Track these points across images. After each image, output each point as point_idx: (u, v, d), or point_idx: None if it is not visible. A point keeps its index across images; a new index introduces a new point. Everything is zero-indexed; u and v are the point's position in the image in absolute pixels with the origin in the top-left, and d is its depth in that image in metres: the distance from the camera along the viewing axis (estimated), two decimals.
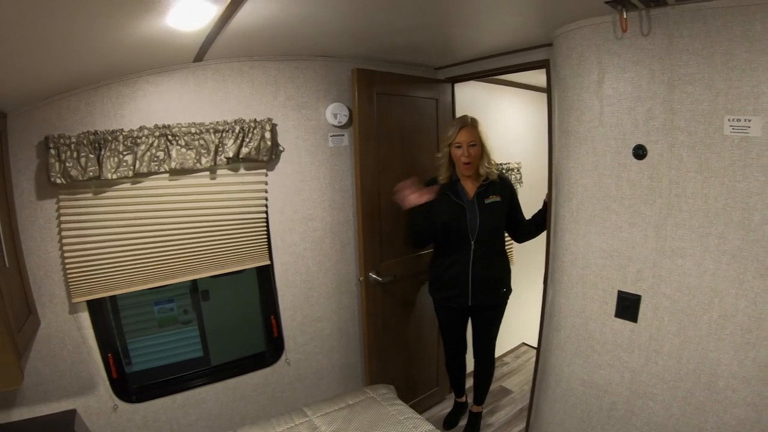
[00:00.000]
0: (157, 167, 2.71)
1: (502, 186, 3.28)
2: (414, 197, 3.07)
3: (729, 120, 2.01)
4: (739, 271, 2.06)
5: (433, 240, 3.38)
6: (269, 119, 3.03)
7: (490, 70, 3.45)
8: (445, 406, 4.14)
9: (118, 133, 2.58)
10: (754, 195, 1.99)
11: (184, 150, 2.76)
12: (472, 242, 3.17)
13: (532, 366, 3.37)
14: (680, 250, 2.24)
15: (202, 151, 2.81)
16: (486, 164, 3.19)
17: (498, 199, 3.22)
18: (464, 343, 3.68)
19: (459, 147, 3.11)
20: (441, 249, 3.36)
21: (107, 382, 2.84)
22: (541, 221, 3.24)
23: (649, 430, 2.39)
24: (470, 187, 3.23)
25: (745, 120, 1.97)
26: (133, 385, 3.03)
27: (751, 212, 2.00)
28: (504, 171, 4.50)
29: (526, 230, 3.40)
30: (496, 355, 5.00)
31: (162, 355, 3.30)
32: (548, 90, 2.93)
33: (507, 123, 4.66)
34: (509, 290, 3.46)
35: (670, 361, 2.31)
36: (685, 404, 2.26)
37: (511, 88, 4.61)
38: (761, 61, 1.90)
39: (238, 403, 3.30)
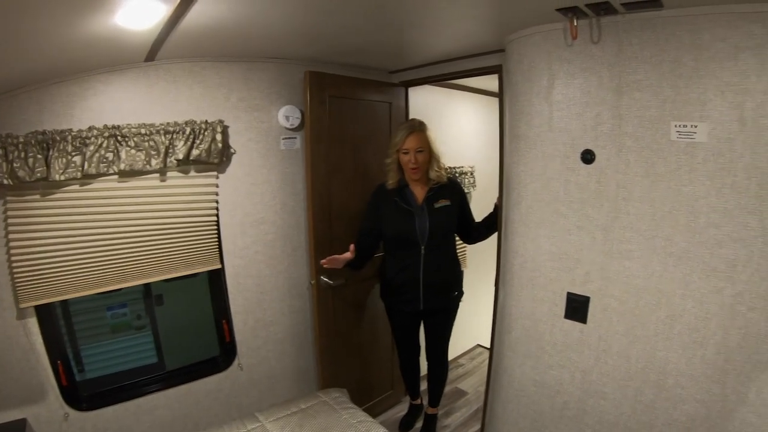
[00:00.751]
0: (106, 168, 2.58)
1: (452, 189, 3.21)
2: (337, 263, 3.01)
3: (676, 126, 2.02)
4: (686, 272, 2.08)
5: (374, 253, 3.32)
6: (221, 121, 2.91)
7: (444, 74, 3.40)
8: (401, 409, 4.07)
9: (67, 134, 2.43)
10: (699, 199, 2.00)
11: (133, 151, 2.63)
12: (422, 247, 3.09)
13: (487, 367, 3.32)
14: (628, 252, 2.24)
15: (152, 152, 2.68)
16: (435, 168, 3.11)
17: (448, 203, 3.15)
18: (417, 345, 3.63)
19: (406, 153, 3.02)
20: (391, 254, 3.28)
21: (57, 390, 2.67)
22: (492, 224, 3.22)
23: (601, 428, 2.39)
24: (419, 192, 3.15)
25: (691, 126, 1.98)
26: (84, 392, 2.85)
27: (697, 215, 2.02)
28: (456, 175, 4.50)
29: (477, 232, 3.36)
30: (452, 357, 5.00)
31: (115, 362, 3.13)
32: (500, 95, 2.91)
33: (461, 127, 4.63)
34: (461, 293, 3.41)
35: (619, 360, 2.31)
36: (635, 402, 2.27)
37: (466, 92, 4.58)
38: (708, 69, 1.91)
39: (191, 410, 3.15)
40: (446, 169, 4.05)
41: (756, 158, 1.86)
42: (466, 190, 4.57)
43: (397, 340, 3.62)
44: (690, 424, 2.11)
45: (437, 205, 3.11)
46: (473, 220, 3.37)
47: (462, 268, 4.31)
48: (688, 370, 2.10)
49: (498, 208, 3.05)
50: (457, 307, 3.45)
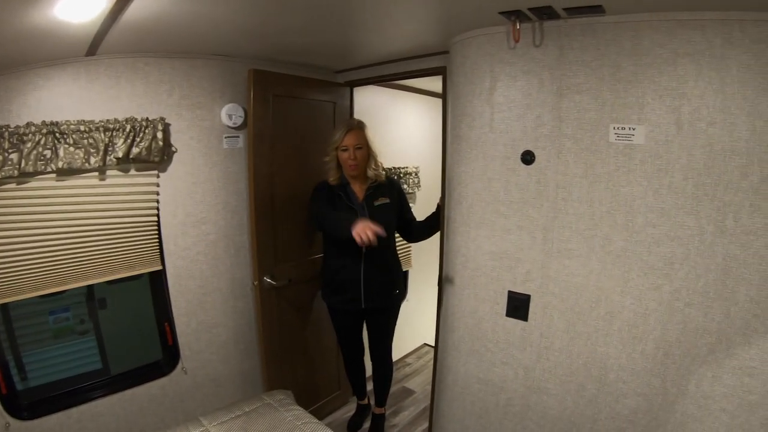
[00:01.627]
0: (44, 167, 2.39)
1: (391, 187, 3.18)
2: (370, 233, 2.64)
3: (614, 128, 2.03)
4: (624, 270, 2.09)
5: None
6: (162, 118, 2.74)
7: (389, 75, 3.32)
8: (349, 409, 3.96)
9: (4, 130, 2.24)
10: (637, 199, 2.02)
11: (72, 149, 2.45)
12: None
13: (433, 365, 3.27)
14: (567, 251, 2.24)
15: (91, 150, 2.51)
16: (373, 167, 3.07)
17: (387, 200, 3.11)
18: (361, 346, 3.56)
19: (345, 150, 2.95)
20: (331, 252, 3.19)
21: None
22: (434, 223, 3.16)
23: (545, 424, 2.39)
24: (359, 190, 3.09)
25: (629, 128, 2.00)
26: (25, 400, 2.64)
27: (635, 215, 2.04)
28: (401, 175, 4.43)
29: (418, 231, 3.31)
30: (399, 356, 4.95)
31: (59, 369, 2.89)
32: (443, 96, 2.87)
33: (406, 128, 4.54)
34: (403, 292, 3.34)
35: (561, 356, 2.31)
36: (578, 397, 2.28)
37: (411, 93, 4.50)
38: (647, 74, 1.93)
39: (136, 416, 2.96)
40: (385, 168, 4.00)
41: (692, 160, 1.88)
42: (410, 190, 4.56)
43: (340, 340, 3.52)
44: (632, 417, 2.13)
45: (377, 203, 3.07)
46: (414, 218, 3.33)
47: (405, 268, 4.24)
48: (629, 365, 2.12)
49: (440, 208, 3.00)
50: (399, 305, 3.40)
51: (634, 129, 1.99)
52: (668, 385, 2.03)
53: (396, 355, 4.84)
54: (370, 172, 3.07)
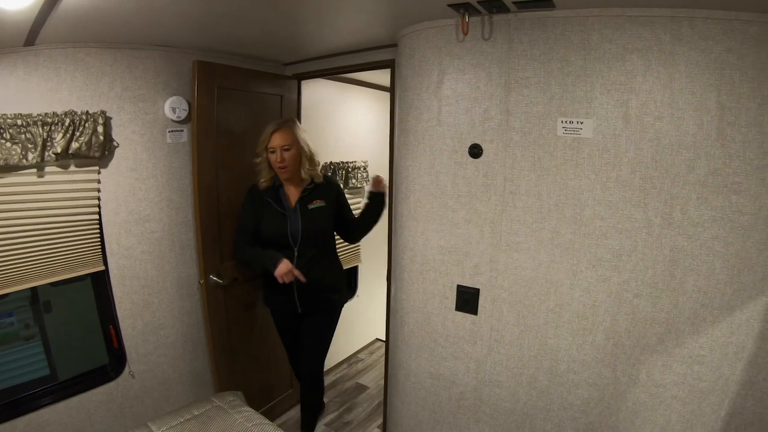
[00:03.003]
0: None
1: (328, 189, 2.92)
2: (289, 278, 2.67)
3: (562, 122, 2.00)
4: (573, 262, 2.07)
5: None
6: (103, 112, 2.54)
7: (338, 67, 3.19)
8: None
9: None
10: (585, 192, 2.00)
11: (9, 144, 2.24)
12: (295, 249, 2.78)
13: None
14: (515, 244, 2.20)
15: (29, 145, 2.30)
16: (307, 167, 2.81)
17: (322, 204, 2.85)
18: (298, 344, 3.22)
19: (273, 151, 2.72)
20: None
21: None
22: (370, 214, 3.03)
23: (499, 416, 2.36)
24: (293, 193, 2.86)
25: (577, 122, 1.96)
26: None
27: (583, 208, 2.01)
28: (349, 170, 4.30)
29: (357, 228, 3.09)
30: (351, 351, 4.88)
31: (5, 376, 2.68)
32: (392, 89, 2.77)
33: (355, 121, 4.41)
34: (343, 297, 3.10)
35: (512, 349, 2.28)
36: (530, 389, 2.25)
37: (360, 87, 4.37)
38: (595, 69, 1.90)
39: (84, 424, 2.75)
40: (325, 166, 3.84)
41: (639, 154, 1.87)
42: (359, 185, 4.43)
43: (282, 341, 3.27)
44: (585, 407, 2.12)
45: (311, 207, 2.82)
46: (353, 217, 3.09)
47: (355, 263, 4.20)
48: (580, 356, 2.11)
49: (373, 196, 2.96)
50: (337, 311, 3.11)
51: (581, 123, 1.96)
52: (619, 374, 2.03)
53: (348, 350, 4.82)
54: (304, 174, 2.82)
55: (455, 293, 2.40)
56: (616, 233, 1.96)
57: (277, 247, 2.80)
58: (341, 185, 3.14)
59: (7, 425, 2.46)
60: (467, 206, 2.30)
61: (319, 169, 2.89)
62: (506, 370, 2.30)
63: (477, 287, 2.33)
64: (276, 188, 2.85)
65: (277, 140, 2.71)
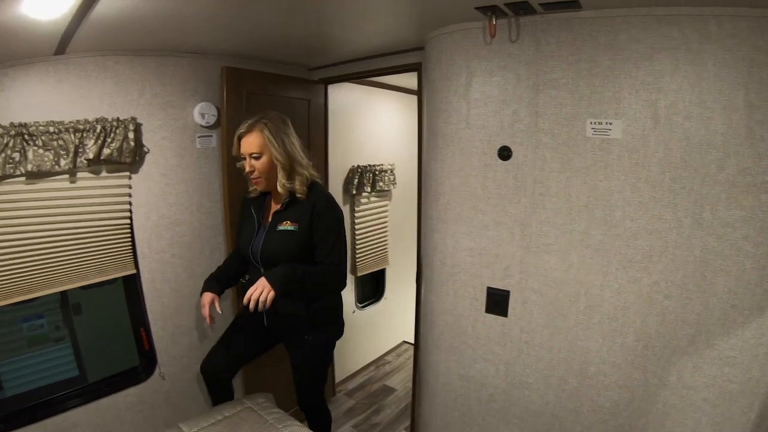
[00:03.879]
0: (12, 170, 2.29)
1: (306, 210, 2.35)
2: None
3: (591, 123, 2.03)
4: (603, 264, 2.10)
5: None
6: (133, 118, 2.65)
7: (364, 71, 3.27)
8: (330, 409, 3.81)
9: None
10: (614, 193, 2.03)
11: (41, 151, 2.35)
12: (261, 269, 2.40)
13: (413, 363, 3.24)
14: (546, 246, 2.24)
15: (61, 152, 2.41)
16: (284, 181, 2.35)
17: (292, 227, 2.34)
18: (240, 363, 2.78)
19: (244, 159, 2.39)
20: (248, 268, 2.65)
21: None
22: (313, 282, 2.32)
23: (528, 418, 2.39)
24: (274, 206, 2.49)
25: (606, 123, 2.00)
26: (0, 413, 2.53)
27: (612, 209, 2.04)
28: (376, 172, 4.35)
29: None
30: (378, 354, 4.93)
31: (35, 378, 2.79)
32: (419, 92, 2.83)
33: (382, 125, 4.52)
34: (323, 335, 2.55)
35: (541, 351, 2.31)
36: (559, 391, 2.28)
37: (386, 90, 4.46)
38: (623, 69, 1.93)
39: (114, 425, 2.86)
40: (352, 169, 3.83)
41: (669, 154, 1.89)
42: (385, 188, 4.50)
43: (228, 329, 2.76)
44: (614, 409, 2.14)
45: (280, 228, 2.37)
46: (320, 257, 2.36)
47: (382, 266, 4.20)
48: (610, 358, 2.13)
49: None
50: (319, 350, 2.58)
51: (611, 123, 1.99)
52: (649, 376, 2.04)
53: (375, 353, 4.88)
54: (279, 188, 2.37)
55: (485, 295, 2.44)
56: (647, 234, 1.98)
57: (249, 265, 2.55)
58: (329, 207, 2.40)
59: (38, 426, 2.56)
60: (497, 208, 2.34)
61: (306, 181, 2.39)
62: (536, 372, 2.34)
63: (507, 289, 2.37)
64: (262, 198, 2.56)
65: (245, 146, 2.35)
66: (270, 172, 2.36)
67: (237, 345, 2.68)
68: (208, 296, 2.44)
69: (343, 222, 2.47)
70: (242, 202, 2.64)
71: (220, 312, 2.43)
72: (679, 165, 1.88)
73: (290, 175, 2.36)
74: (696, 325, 1.92)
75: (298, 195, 2.35)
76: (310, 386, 2.73)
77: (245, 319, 2.65)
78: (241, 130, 2.35)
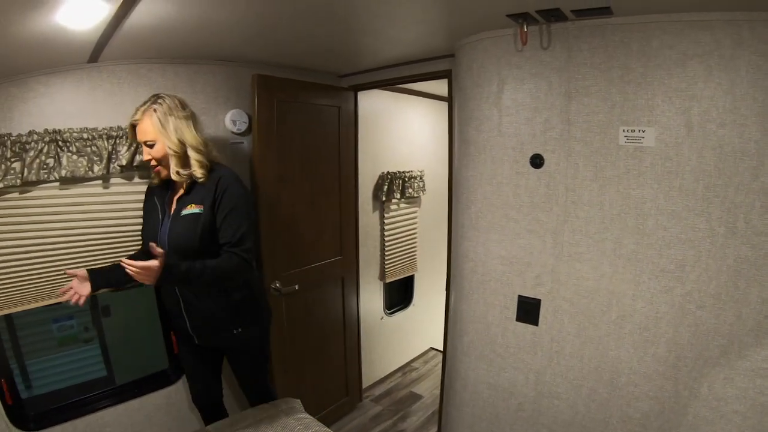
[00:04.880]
0: (46, 175, 2.38)
1: (211, 187, 2.25)
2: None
3: (624, 131, 2.06)
4: (636, 273, 2.11)
5: None
6: None
7: (394, 78, 3.34)
8: (356, 415, 4.01)
9: (6, 138, 2.23)
10: (647, 201, 2.04)
11: (75, 157, 2.44)
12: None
13: (441, 370, 3.27)
14: (578, 255, 2.26)
15: (95, 158, 2.50)
16: (178, 169, 2.24)
17: (197, 209, 2.24)
18: (214, 385, 2.81)
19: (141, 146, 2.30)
20: None
21: (2, 410, 2.44)
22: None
23: (557, 428, 2.41)
24: (177, 193, 2.38)
25: (639, 131, 2.02)
26: (31, 411, 2.63)
27: (645, 218, 2.06)
28: (407, 179, 4.42)
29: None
30: (406, 360, 4.99)
31: (64, 377, 2.93)
32: (450, 100, 2.88)
33: (411, 131, 4.60)
34: (253, 328, 2.53)
35: (572, 361, 2.33)
36: (589, 401, 2.30)
37: (416, 97, 4.53)
38: (656, 76, 1.95)
39: (143, 426, 2.95)
40: (382, 176, 3.88)
41: (702, 162, 1.91)
42: (415, 194, 4.55)
43: (186, 374, 2.85)
44: (644, 421, 2.14)
45: (184, 212, 2.27)
46: (226, 238, 2.24)
47: (410, 273, 4.26)
48: (641, 368, 2.14)
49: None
50: (251, 344, 2.59)
51: (643, 131, 2.01)
52: (680, 387, 2.05)
53: (402, 359, 4.94)
54: (174, 176, 2.26)
55: (516, 303, 2.47)
56: (680, 243, 1.99)
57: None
58: (233, 183, 2.30)
59: (68, 425, 2.65)
60: (529, 216, 2.38)
61: (205, 165, 2.28)
62: (566, 381, 2.36)
63: (538, 298, 2.40)
64: (165, 186, 2.44)
65: (139, 134, 2.25)
66: (163, 158, 2.26)
67: (195, 375, 2.74)
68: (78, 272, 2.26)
69: (251, 203, 2.40)
70: (145, 193, 2.54)
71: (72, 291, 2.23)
72: (713, 173, 1.89)
73: (185, 162, 2.25)
74: (728, 335, 1.92)
75: (199, 178, 2.25)
76: (256, 384, 2.74)
77: (182, 348, 2.71)
78: (135, 117, 2.23)
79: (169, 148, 2.20)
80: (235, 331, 2.44)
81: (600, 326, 2.23)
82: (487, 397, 2.63)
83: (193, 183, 2.29)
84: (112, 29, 2.04)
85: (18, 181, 2.27)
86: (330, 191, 3.57)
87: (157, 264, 1.93)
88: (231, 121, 3.04)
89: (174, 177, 2.26)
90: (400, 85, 3.82)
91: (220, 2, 1.93)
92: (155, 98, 2.25)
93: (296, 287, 3.24)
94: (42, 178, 2.37)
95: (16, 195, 2.36)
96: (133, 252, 2.64)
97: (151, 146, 2.22)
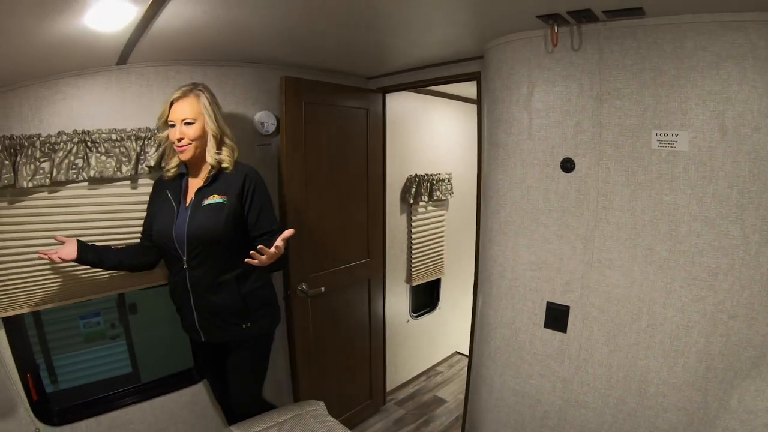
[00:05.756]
0: (75, 175, 2.45)
1: (234, 181, 2.37)
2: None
3: (657, 134, 2.04)
4: (667, 281, 2.09)
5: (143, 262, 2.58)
6: None
7: (422, 80, 3.37)
8: (380, 419, 4.04)
9: (35, 139, 2.31)
10: (680, 207, 2.02)
11: (103, 157, 2.52)
12: (184, 259, 2.36)
13: (466, 374, 3.29)
14: (608, 261, 2.25)
15: (123, 158, 2.57)
16: (215, 151, 2.35)
17: (220, 199, 2.33)
18: (224, 384, 2.80)
19: (173, 125, 2.31)
20: (166, 266, 2.61)
21: (27, 405, 2.53)
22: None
23: None
24: (195, 184, 2.42)
25: (672, 135, 2.00)
26: (55, 406, 2.72)
27: (678, 224, 2.04)
28: (434, 182, 4.45)
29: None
30: (430, 364, 5.00)
31: (89, 372, 3.01)
32: (478, 102, 2.90)
33: (439, 134, 4.62)
34: (261, 323, 2.57)
35: (600, 369, 2.32)
36: (617, 411, 2.28)
37: (444, 99, 4.59)
38: (689, 78, 1.93)
39: (167, 423, 3.03)
40: (410, 178, 3.90)
41: (737, 167, 1.88)
42: (443, 197, 4.56)
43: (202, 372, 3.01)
44: None
45: (206, 202, 2.33)
46: (269, 226, 2.45)
47: (437, 276, 4.22)
48: (670, 379, 2.11)
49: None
50: (258, 341, 2.62)
51: (677, 135, 2.00)
52: (710, 399, 2.02)
53: (427, 363, 4.95)
54: (209, 158, 2.35)
55: (544, 310, 2.47)
56: (713, 251, 1.97)
57: (166, 253, 2.46)
58: (261, 179, 2.49)
59: (92, 421, 2.74)
60: (559, 221, 2.38)
61: (234, 153, 2.43)
62: (593, 390, 2.34)
63: (567, 304, 2.40)
64: (179, 178, 2.48)
65: (178, 111, 2.30)
66: (199, 140, 2.33)
67: (215, 385, 2.86)
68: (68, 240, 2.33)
69: None
70: (155, 183, 2.59)
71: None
72: (747, 179, 1.87)
73: (219, 146, 2.37)
74: (761, 347, 1.89)
75: (225, 166, 2.37)
76: (250, 386, 2.73)
77: (198, 356, 2.92)
78: (176, 95, 2.30)
79: (211, 128, 2.32)
80: (244, 326, 2.49)
81: (629, 335, 2.22)
82: (513, 403, 2.63)
83: (215, 174, 2.37)
84: (140, 31, 2.10)
85: (47, 180, 2.35)
86: (357, 193, 3.61)
87: (281, 247, 2.24)
88: (259, 122, 3.11)
89: (209, 159, 2.34)
90: (428, 87, 3.84)
91: (249, 4, 1.98)
92: (197, 84, 2.38)
93: (322, 289, 3.28)
94: (71, 178, 2.44)
95: (45, 194, 2.43)
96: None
97: (189, 124, 2.29)
